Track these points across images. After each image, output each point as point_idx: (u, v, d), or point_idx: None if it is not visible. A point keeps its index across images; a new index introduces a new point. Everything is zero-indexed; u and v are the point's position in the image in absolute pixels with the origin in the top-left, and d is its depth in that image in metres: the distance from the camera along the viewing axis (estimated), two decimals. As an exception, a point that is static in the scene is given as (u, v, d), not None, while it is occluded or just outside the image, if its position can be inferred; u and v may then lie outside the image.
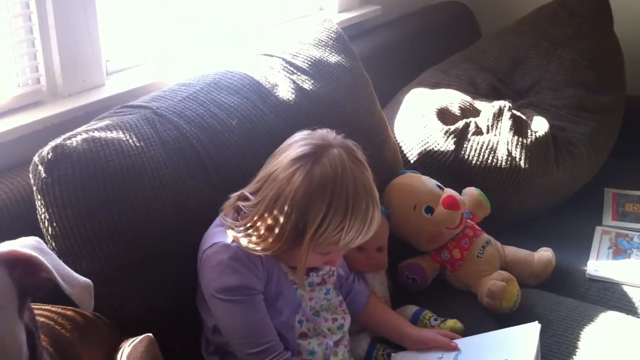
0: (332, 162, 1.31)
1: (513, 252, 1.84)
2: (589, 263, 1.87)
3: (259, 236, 1.32)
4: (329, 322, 1.46)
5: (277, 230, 1.31)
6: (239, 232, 1.33)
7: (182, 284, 1.42)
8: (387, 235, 1.69)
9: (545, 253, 1.82)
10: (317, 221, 1.28)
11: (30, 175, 1.34)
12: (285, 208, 1.29)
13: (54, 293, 1.19)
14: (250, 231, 1.33)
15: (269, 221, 1.31)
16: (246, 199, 1.37)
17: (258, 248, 1.32)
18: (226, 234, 1.34)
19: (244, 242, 1.32)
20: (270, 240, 1.31)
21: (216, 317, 1.35)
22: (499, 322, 1.63)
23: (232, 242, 1.33)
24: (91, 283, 0.98)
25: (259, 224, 1.32)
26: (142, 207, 1.38)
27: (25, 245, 0.93)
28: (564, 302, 1.72)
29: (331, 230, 1.29)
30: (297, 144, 1.35)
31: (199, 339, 1.46)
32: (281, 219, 1.30)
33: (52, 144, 1.33)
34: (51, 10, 1.56)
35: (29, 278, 0.93)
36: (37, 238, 0.98)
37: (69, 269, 0.97)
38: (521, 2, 2.72)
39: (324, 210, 1.28)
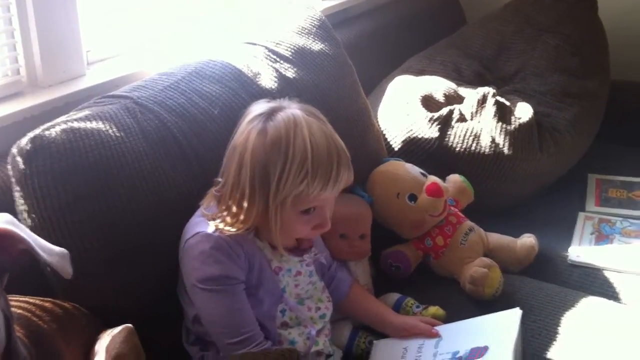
0: (285, 116, 1.31)
1: (496, 238, 1.85)
2: (570, 249, 1.88)
3: (232, 215, 1.32)
4: (312, 311, 1.46)
5: (245, 202, 1.30)
6: (217, 218, 1.34)
7: (163, 274, 1.42)
8: (370, 223, 1.69)
9: (528, 239, 1.83)
10: (277, 172, 1.27)
11: (9, 167, 1.33)
12: (248, 173, 1.29)
13: (31, 284, 1.20)
14: (225, 214, 1.33)
15: (237, 195, 1.31)
16: (218, 184, 1.37)
17: (233, 229, 1.31)
18: (207, 224, 1.35)
19: (221, 226, 1.32)
20: (242, 216, 1.31)
21: (197, 307, 1.35)
22: (481, 308, 1.64)
23: (214, 232, 1.33)
24: (67, 252, 0.99)
25: (230, 202, 1.32)
26: (123, 198, 1.37)
27: None
28: (546, 288, 1.73)
29: (294, 178, 1.27)
30: (252, 110, 1.36)
31: (180, 330, 1.46)
32: (247, 188, 1.29)
33: (31, 134, 1.32)
34: (30, 1, 1.54)
35: (4, 254, 0.93)
36: (7, 214, 0.97)
37: (43, 240, 0.98)
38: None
39: (282, 160, 1.27)
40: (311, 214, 1.35)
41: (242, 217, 1.32)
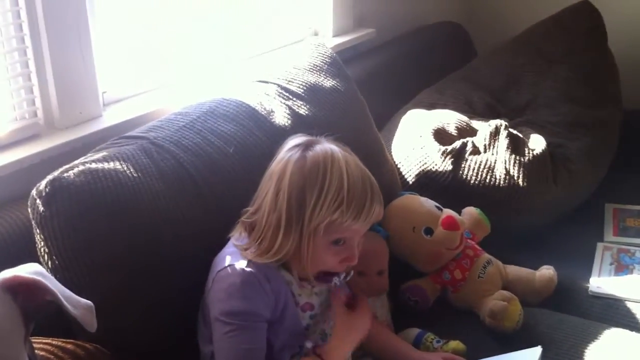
0: (323, 148, 1.36)
1: (514, 271, 1.84)
2: (591, 280, 1.86)
3: (267, 243, 1.32)
4: None
5: (282, 229, 1.31)
6: (250, 247, 1.34)
7: (182, 313, 1.42)
8: (387, 259, 1.68)
9: (546, 271, 1.81)
10: (313, 198, 1.30)
11: (29, 209, 1.34)
12: (285, 199, 1.31)
13: (52, 325, 1.20)
14: (258, 242, 1.34)
15: (274, 221, 1.32)
16: (246, 212, 1.38)
17: (266, 260, 1.32)
18: (239, 256, 1.35)
19: (252, 256, 1.33)
20: (277, 244, 1.31)
21: (214, 340, 1.34)
22: (501, 342, 1.63)
23: (246, 266, 1.33)
24: (92, 304, 1.00)
25: (265, 228, 1.33)
26: (141, 237, 1.38)
27: (27, 271, 0.95)
28: (567, 320, 1.71)
29: (329, 206, 1.29)
30: (290, 142, 1.40)
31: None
32: (284, 213, 1.31)
33: (50, 177, 1.33)
34: (46, 44, 1.57)
35: (31, 303, 0.94)
36: (37, 264, 0.98)
37: (69, 291, 0.98)
38: (515, 21, 2.74)
39: (319, 186, 1.30)
40: (341, 246, 1.36)
41: (276, 245, 1.32)
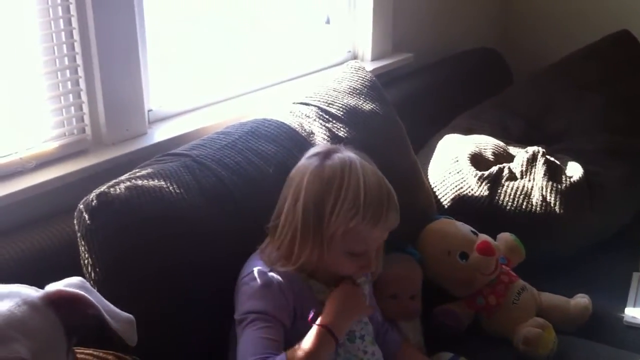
0: (342, 157, 1.39)
1: (549, 298, 1.83)
2: (626, 310, 1.85)
3: (285, 250, 1.36)
4: (360, 352, 1.44)
5: (297, 239, 1.35)
6: (273, 255, 1.38)
7: (221, 327, 1.44)
8: (420, 283, 1.69)
9: (582, 299, 1.81)
10: (329, 206, 1.33)
11: (75, 222, 1.38)
12: (302, 207, 1.35)
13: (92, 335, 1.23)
14: (277, 248, 1.38)
15: (291, 230, 1.36)
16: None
17: (284, 267, 1.36)
18: (263, 264, 1.39)
19: (274, 263, 1.37)
20: (295, 252, 1.35)
21: (237, 344, 1.35)
22: (535, 369, 1.63)
23: (269, 271, 1.36)
24: (133, 318, 1.02)
25: (283, 236, 1.37)
26: (181, 252, 1.41)
27: (70, 284, 0.97)
28: (600, 349, 1.70)
29: (346, 211, 1.32)
30: (309, 152, 1.44)
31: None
32: (300, 222, 1.35)
33: (97, 191, 1.38)
34: (97, 64, 1.62)
35: (74, 317, 0.96)
36: (80, 278, 1.01)
37: (112, 305, 1.01)
38: (552, 48, 2.75)
39: (334, 194, 1.34)
40: (358, 256, 1.38)
41: (295, 253, 1.36)
